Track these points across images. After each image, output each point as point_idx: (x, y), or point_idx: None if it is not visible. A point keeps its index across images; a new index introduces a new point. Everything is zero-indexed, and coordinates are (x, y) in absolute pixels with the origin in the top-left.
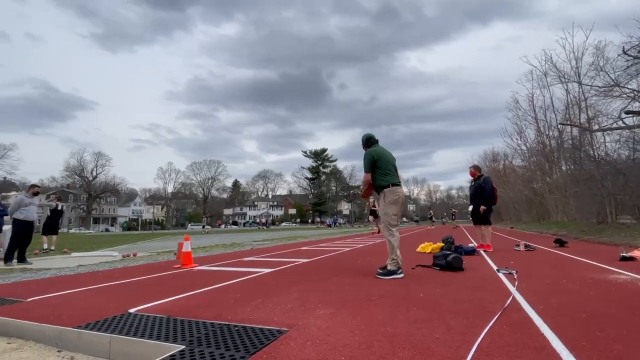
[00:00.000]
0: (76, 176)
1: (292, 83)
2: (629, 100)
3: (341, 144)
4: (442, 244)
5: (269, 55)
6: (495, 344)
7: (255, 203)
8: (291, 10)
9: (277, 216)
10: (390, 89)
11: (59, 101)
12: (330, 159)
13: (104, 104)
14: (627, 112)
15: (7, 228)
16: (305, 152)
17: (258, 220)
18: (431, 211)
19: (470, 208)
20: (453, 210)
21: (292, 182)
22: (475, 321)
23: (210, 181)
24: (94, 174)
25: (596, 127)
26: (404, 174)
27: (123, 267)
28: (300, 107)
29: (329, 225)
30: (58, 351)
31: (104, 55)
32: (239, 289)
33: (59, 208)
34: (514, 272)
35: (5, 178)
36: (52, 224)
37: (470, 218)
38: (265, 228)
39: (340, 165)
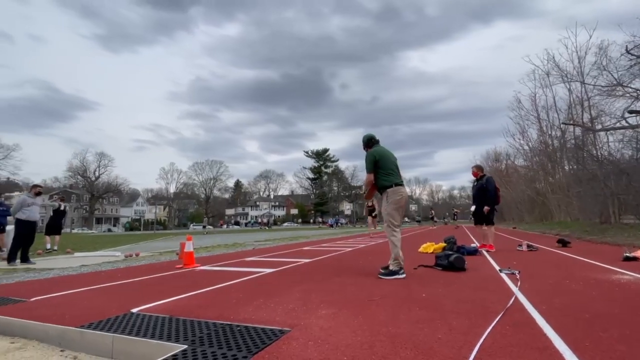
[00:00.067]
0: (79, 176)
1: (294, 83)
2: (632, 100)
3: (343, 144)
4: (444, 244)
5: (270, 56)
6: (498, 344)
7: (257, 203)
8: (292, 10)
9: (278, 216)
10: (392, 89)
11: (61, 102)
12: (332, 159)
13: (106, 104)
14: (631, 112)
15: (10, 228)
16: (307, 152)
17: (260, 221)
18: (432, 211)
19: (473, 208)
20: (455, 210)
21: (293, 182)
22: (477, 321)
23: (212, 181)
24: (97, 174)
25: (599, 126)
26: (405, 174)
27: (125, 267)
28: (302, 107)
29: (331, 226)
30: (61, 351)
31: (106, 55)
32: (241, 289)
33: (62, 208)
34: (517, 272)
35: (8, 178)
36: (55, 224)
37: (472, 218)
38: (267, 228)
39: (342, 165)
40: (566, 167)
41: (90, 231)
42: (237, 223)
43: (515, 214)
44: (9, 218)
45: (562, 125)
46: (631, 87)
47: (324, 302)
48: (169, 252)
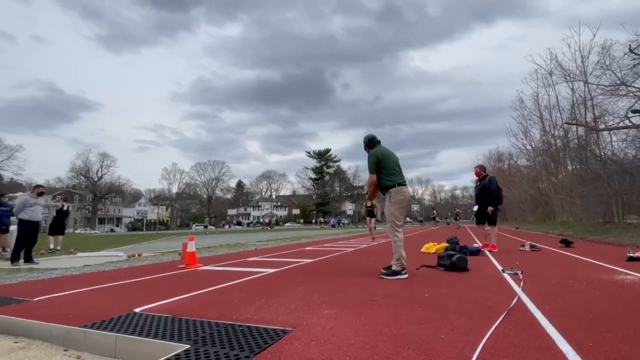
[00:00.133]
0: (82, 177)
1: (295, 83)
2: (636, 99)
3: (345, 144)
4: (446, 244)
5: (272, 56)
6: (501, 345)
7: (259, 203)
8: (294, 10)
9: (280, 216)
10: (394, 89)
11: (64, 102)
12: (334, 159)
13: (109, 105)
14: (634, 111)
15: (14, 228)
16: (308, 153)
17: (262, 221)
18: (434, 211)
19: (475, 208)
20: (457, 210)
21: (295, 182)
22: (480, 321)
23: (214, 182)
24: (99, 174)
25: (602, 126)
26: (407, 174)
27: (128, 267)
28: (304, 108)
29: (333, 226)
30: (64, 350)
31: (108, 56)
32: (244, 288)
33: (65, 208)
34: (520, 272)
35: (12, 179)
36: (58, 225)
37: (475, 218)
38: (269, 228)
39: (344, 165)
40: (569, 167)
41: (93, 231)
42: (239, 223)
43: (518, 214)
44: (12, 218)
45: (565, 124)
46: (634, 87)
47: (326, 302)
48: (171, 252)
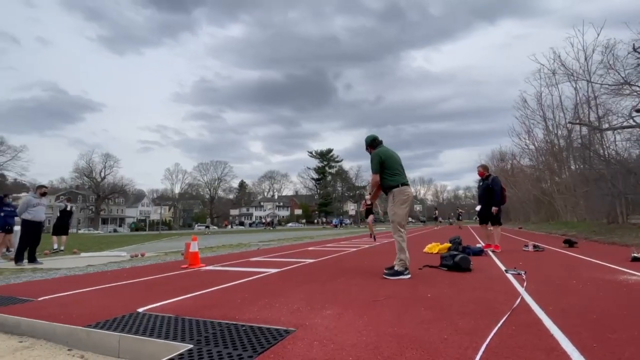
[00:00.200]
0: (85, 177)
1: (298, 83)
2: None
3: (347, 144)
4: (449, 245)
5: (274, 56)
6: (504, 345)
7: (262, 203)
8: (296, 10)
9: (283, 217)
10: (396, 89)
11: (67, 103)
12: (336, 160)
13: (112, 105)
14: (638, 111)
15: (18, 229)
16: (311, 153)
17: (264, 221)
18: (437, 211)
19: (478, 208)
20: (459, 210)
21: (298, 182)
22: (483, 322)
23: (216, 182)
24: (103, 175)
25: (606, 125)
26: (410, 174)
27: (131, 267)
28: (306, 108)
29: (335, 226)
30: (68, 350)
31: (111, 57)
32: (246, 288)
33: (69, 209)
34: (523, 272)
35: (16, 179)
36: (62, 225)
37: (478, 218)
38: (271, 228)
39: (346, 165)
40: (573, 167)
41: (96, 231)
42: (241, 223)
43: (521, 214)
44: (16, 219)
45: (568, 124)
46: (638, 86)
47: (328, 302)
48: (174, 252)
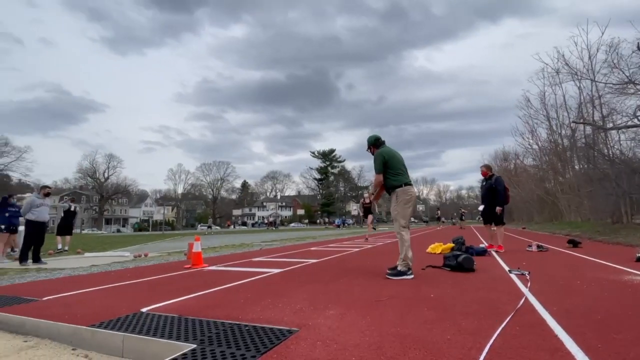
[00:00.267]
0: (88, 178)
1: (300, 84)
2: None
3: (349, 145)
4: (452, 245)
5: (276, 56)
6: (508, 346)
7: (264, 204)
8: (298, 10)
9: (285, 217)
10: (398, 89)
11: (71, 104)
12: (339, 160)
13: (115, 106)
14: None
15: (23, 229)
16: (313, 153)
17: (267, 221)
18: (439, 211)
19: (481, 208)
20: (462, 210)
21: (300, 182)
22: (487, 322)
23: (219, 182)
24: (106, 175)
25: (610, 125)
26: (412, 175)
27: (135, 267)
28: (308, 108)
29: (338, 226)
30: (73, 349)
31: (114, 58)
32: (249, 289)
33: (73, 209)
34: (527, 273)
35: (20, 180)
36: (66, 225)
37: (481, 218)
38: (273, 229)
39: (349, 165)
40: (576, 167)
41: (99, 232)
42: (244, 224)
43: (525, 214)
44: (20, 219)
45: (572, 123)
46: None
47: (331, 303)
48: (177, 252)
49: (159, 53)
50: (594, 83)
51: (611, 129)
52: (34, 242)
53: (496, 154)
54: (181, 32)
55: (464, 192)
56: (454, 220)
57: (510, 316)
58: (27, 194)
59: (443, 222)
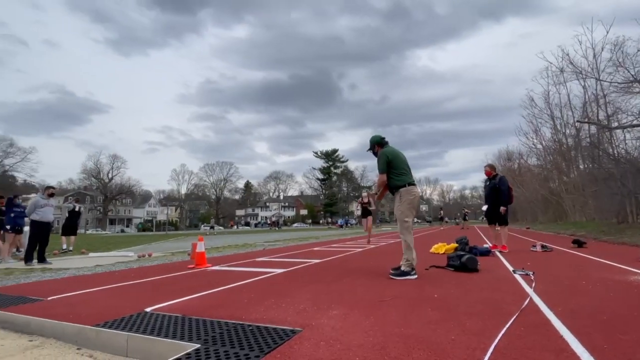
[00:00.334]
0: (93, 178)
1: (302, 84)
2: None
3: (352, 145)
4: (456, 245)
5: (279, 57)
6: (513, 346)
7: (267, 204)
8: (300, 11)
9: (288, 217)
10: (401, 88)
11: (75, 105)
12: (341, 160)
13: (118, 107)
14: None
15: (28, 229)
16: (316, 153)
17: (270, 221)
18: (442, 211)
19: (485, 208)
20: (465, 210)
21: (303, 183)
22: (491, 323)
23: (222, 182)
24: (110, 176)
25: (615, 124)
26: (416, 174)
27: (139, 267)
28: (311, 108)
29: (341, 226)
30: (77, 349)
31: (117, 59)
32: (253, 289)
33: (77, 209)
34: (531, 273)
35: (25, 181)
36: (70, 225)
37: (485, 218)
38: (276, 229)
39: (352, 165)
40: (581, 166)
41: (104, 232)
42: (247, 224)
43: (529, 214)
44: (25, 219)
45: (576, 123)
46: None
47: (334, 303)
48: (180, 252)
49: (162, 54)
50: (599, 82)
51: (616, 128)
52: (39, 242)
53: (500, 153)
54: (184, 33)
55: (467, 192)
56: (457, 220)
57: (514, 316)
58: (32, 195)
59: (446, 222)
